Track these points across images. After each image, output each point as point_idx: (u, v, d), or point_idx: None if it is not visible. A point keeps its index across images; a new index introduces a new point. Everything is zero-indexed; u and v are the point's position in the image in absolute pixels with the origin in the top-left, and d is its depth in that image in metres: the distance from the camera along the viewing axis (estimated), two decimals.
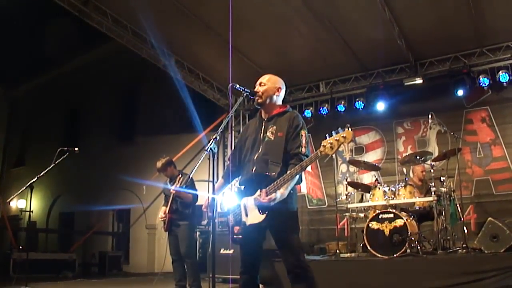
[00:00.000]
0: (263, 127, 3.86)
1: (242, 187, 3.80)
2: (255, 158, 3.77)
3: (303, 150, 3.70)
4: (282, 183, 3.51)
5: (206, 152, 3.41)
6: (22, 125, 21.70)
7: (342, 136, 3.38)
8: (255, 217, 3.61)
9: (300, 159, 3.63)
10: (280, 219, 3.59)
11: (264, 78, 3.94)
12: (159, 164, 7.16)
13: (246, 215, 3.68)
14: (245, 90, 3.81)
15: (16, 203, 18.73)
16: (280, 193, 3.51)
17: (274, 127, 3.80)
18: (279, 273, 7.12)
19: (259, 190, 3.60)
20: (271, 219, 3.56)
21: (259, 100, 3.87)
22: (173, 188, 6.91)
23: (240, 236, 3.67)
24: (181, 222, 7.03)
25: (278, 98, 3.96)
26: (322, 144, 3.42)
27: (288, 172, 3.53)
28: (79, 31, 13.87)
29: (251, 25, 8.99)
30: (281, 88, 3.97)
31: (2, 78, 20.66)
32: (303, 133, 3.76)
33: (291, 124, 3.77)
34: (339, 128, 3.40)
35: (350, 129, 3.40)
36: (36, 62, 19.20)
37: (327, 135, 3.47)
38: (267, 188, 3.55)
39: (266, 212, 3.55)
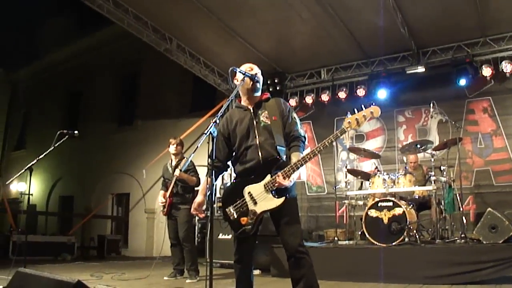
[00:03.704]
0: (253, 113, 3.81)
1: (252, 176, 3.66)
2: (257, 143, 3.69)
3: (302, 131, 3.81)
4: (302, 164, 3.52)
5: (205, 135, 3.36)
6: (23, 108, 21.69)
7: (370, 112, 3.45)
8: (269, 203, 3.53)
9: (301, 140, 3.74)
10: (285, 204, 3.54)
11: (256, 67, 3.93)
12: (176, 140, 7.37)
13: (255, 203, 3.58)
14: (246, 73, 3.78)
15: (16, 186, 18.78)
16: (296, 174, 3.56)
17: (266, 112, 3.79)
18: (277, 259, 7.15)
19: (269, 175, 3.56)
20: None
21: (258, 86, 3.86)
22: (177, 170, 6.93)
23: (250, 227, 3.56)
24: (182, 206, 7.06)
25: None
26: (347, 120, 3.48)
27: (310, 152, 3.52)
28: (81, 14, 13.81)
29: (252, 10, 8.90)
30: None
31: (4, 62, 20.61)
32: (296, 115, 3.89)
33: (283, 108, 3.83)
34: (362, 105, 3.44)
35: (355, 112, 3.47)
36: (37, 46, 19.17)
37: (348, 113, 3.53)
38: (284, 170, 3.51)
39: (286, 195, 3.53)
